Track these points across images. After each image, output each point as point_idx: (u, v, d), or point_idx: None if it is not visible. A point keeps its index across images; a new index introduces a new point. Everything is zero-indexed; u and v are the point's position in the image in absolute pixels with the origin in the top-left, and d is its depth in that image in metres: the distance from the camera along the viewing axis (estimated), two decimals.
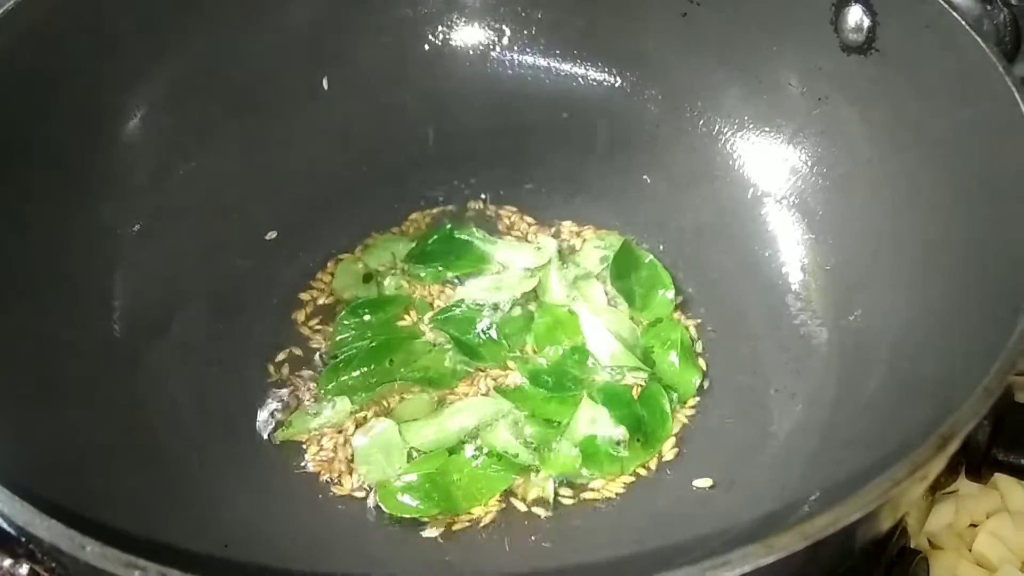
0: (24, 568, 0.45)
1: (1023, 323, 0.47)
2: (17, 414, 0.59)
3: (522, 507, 0.68)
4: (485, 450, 0.70)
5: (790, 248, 0.79)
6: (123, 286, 0.74)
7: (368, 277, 0.81)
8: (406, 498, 0.67)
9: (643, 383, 0.73)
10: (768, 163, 0.82)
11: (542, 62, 0.90)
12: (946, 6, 0.67)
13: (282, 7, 0.83)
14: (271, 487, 0.69)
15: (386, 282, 0.80)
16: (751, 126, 0.83)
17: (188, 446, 0.69)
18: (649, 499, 0.69)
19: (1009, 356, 0.46)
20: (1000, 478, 0.76)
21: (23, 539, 0.44)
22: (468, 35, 0.90)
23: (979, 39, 0.64)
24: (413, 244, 0.83)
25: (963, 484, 0.75)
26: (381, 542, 0.67)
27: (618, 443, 0.70)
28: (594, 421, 0.71)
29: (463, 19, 0.90)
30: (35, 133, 0.70)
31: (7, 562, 0.45)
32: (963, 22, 0.66)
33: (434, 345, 0.76)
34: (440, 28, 0.90)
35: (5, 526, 0.45)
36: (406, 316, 0.79)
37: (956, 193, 0.65)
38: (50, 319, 0.67)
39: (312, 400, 0.74)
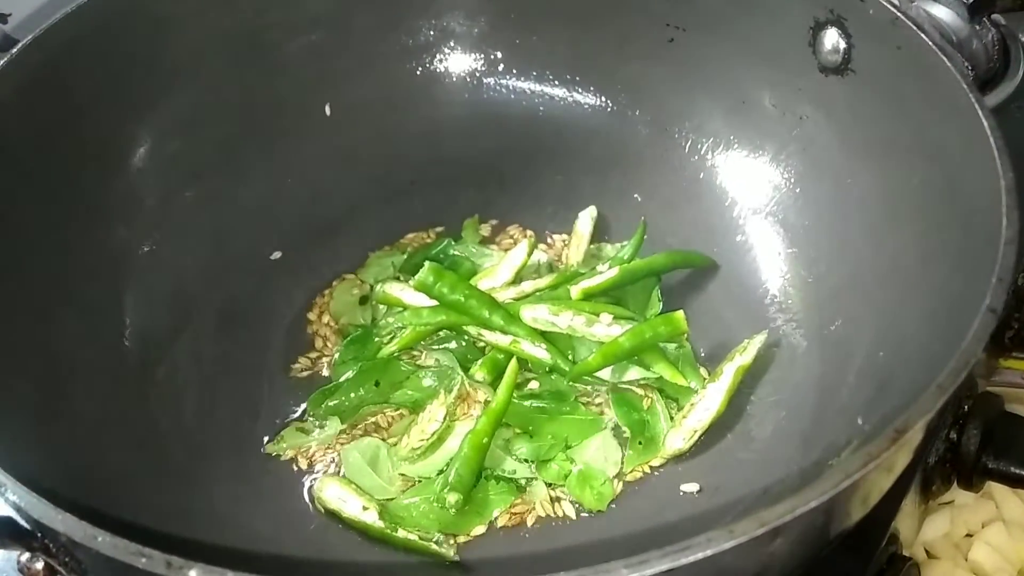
0: (40, 563, 0.47)
1: (976, 326, 0.49)
2: (34, 421, 0.62)
3: (517, 518, 0.70)
4: (483, 474, 0.71)
5: (774, 262, 0.82)
6: (134, 304, 0.77)
7: (364, 299, 0.83)
8: (409, 518, 0.69)
9: (650, 392, 0.76)
10: (752, 181, 0.85)
11: (535, 87, 0.94)
12: (915, 29, 0.70)
13: (285, 38, 0.87)
14: (273, 497, 0.71)
15: (377, 287, 0.82)
16: (735, 146, 0.86)
17: (194, 455, 0.72)
18: (640, 503, 0.71)
19: (963, 356, 0.48)
20: (996, 488, 0.79)
21: (39, 534, 0.47)
22: (464, 62, 0.94)
23: (946, 59, 0.67)
24: (405, 257, 0.86)
25: (959, 494, 0.77)
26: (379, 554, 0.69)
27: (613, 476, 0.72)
28: (602, 454, 0.73)
29: (459, 47, 0.93)
30: (50, 160, 0.73)
31: (24, 556, 0.47)
32: (932, 44, 0.68)
33: (418, 366, 0.78)
34: (437, 55, 0.94)
35: (23, 522, 0.48)
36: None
37: (926, 207, 0.68)
38: (65, 334, 0.70)
39: (307, 417, 0.76)
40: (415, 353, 0.79)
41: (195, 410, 0.74)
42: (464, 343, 0.79)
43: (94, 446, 0.65)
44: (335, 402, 0.76)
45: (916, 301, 0.65)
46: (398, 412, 0.76)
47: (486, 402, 0.75)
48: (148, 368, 0.75)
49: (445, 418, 0.73)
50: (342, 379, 0.77)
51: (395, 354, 0.78)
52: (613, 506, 0.71)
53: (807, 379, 0.73)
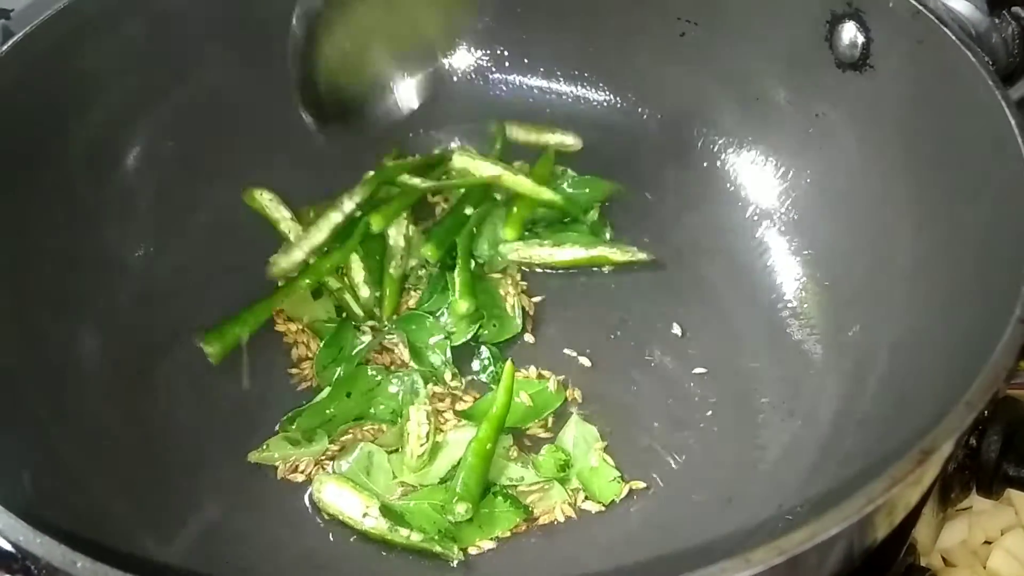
0: None
1: (1006, 339, 0.46)
2: (19, 434, 0.60)
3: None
4: (491, 489, 0.69)
5: (788, 265, 0.80)
6: (128, 309, 0.75)
7: (318, 293, 0.80)
8: (411, 519, 0.68)
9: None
10: (766, 180, 0.83)
11: (542, 84, 0.92)
12: (937, 23, 0.67)
13: (279, 35, 0.83)
14: (271, 507, 0.69)
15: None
16: (749, 144, 0.84)
17: (190, 467, 0.69)
18: (649, 514, 0.68)
19: (992, 371, 0.45)
20: (1015, 494, 0.76)
21: (20, 556, 0.45)
22: (468, 58, 0.91)
23: (970, 54, 0.65)
24: None
25: (976, 500, 0.75)
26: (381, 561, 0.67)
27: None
28: (582, 438, 0.71)
29: (463, 42, 0.91)
30: (41, 161, 0.71)
31: None
32: (954, 38, 0.66)
33: (387, 370, 0.75)
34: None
35: (3, 543, 0.46)
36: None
37: (949, 209, 0.65)
38: (55, 342, 0.68)
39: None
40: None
41: (190, 418, 0.72)
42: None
43: (85, 459, 0.63)
44: (310, 422, 0.72)
45: (939, 307, 0.63)
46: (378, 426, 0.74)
47: (476, 399, 0.74)
48: (142, 379, 0.73)
49: (430, 418, 0.71)
50: (315, 400, 0.74)
51: (363, 355, 0.76)
52: (621, 512, 0.68)
53: (823, 387, 0.71)
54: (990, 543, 0.76)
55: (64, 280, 0.71)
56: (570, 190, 0.86)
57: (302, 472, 0.71)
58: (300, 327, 0.79)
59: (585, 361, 0.77)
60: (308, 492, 0.70)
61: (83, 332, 0.71)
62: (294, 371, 0.77)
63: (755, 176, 0.83)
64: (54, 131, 0.72)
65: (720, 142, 0.85)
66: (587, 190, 0.86)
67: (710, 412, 0.73)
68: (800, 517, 0.58)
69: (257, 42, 0.82)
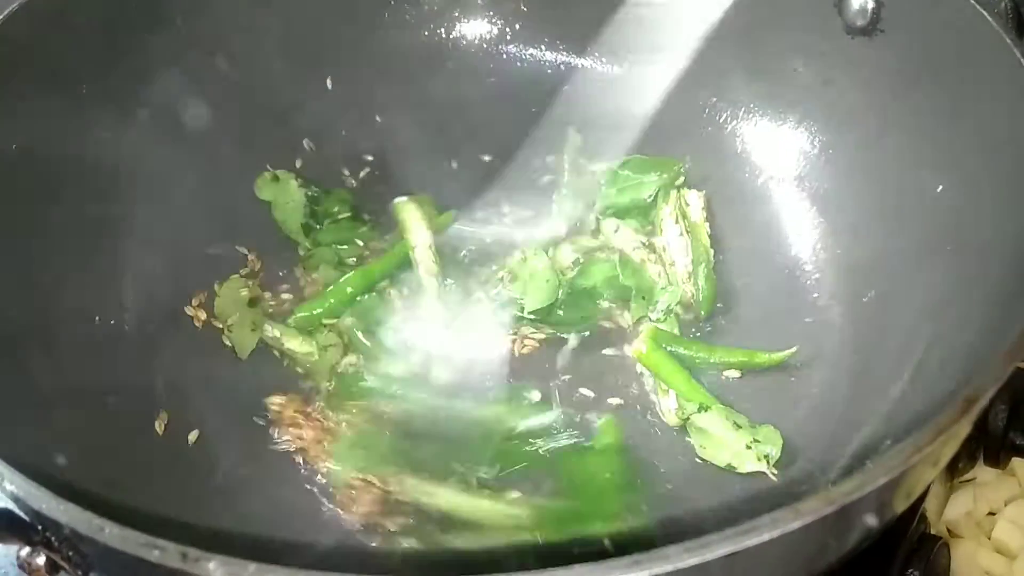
0: (41, 558, 0.44)
1: None
2: (33, 408, 0.59)
3: None
4: None
5: (802, 232, 0.79)
6: (134, 283, 0.74)
7: (253, 302, 0.78)
8: None
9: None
10: (777, 148, 0.82)
11: (547, 56, 0.91)
12: None
13: (284, 7, 0.83)
14: (285, 482, 0.67)
15: None
16: (758, 112, 0.84)
17: (203, 438, 0.68)
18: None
19: None
20: (1019, 465, 0.76)
21: (40, 527, 0.44)
22: (471, 31, 0.90)
23: (986, 14, 0.64)
24: None
25: (981, 472, 0.76)
26: None
27: None
28: None
29: (466, 16, 0.90)
30: (43, 132, 0.69)
31: (24, 551, 0.44)
32: None
33: None
34: (443, 25, 0.90)
35: (21, 513, 0.44)
36: None
37: (966, 171, 0.65)
38: (63, 317, 0.66)
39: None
40: None
41: (199, 387, 0.71)
42: None
43: (96, 431, 0.62)
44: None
45: (961, 270, 0.63)
46: None
47: None
48: (150, 348, 0.72)
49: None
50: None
51: None
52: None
53: (841, 354, 0.71)
54: (994, 514, 0.76)
55: (70, 253, 0.70)
56: (632, 174, 0.82)
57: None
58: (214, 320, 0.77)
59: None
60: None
61: (90, 307, 0.70)
62: None
63: (765, 144, 0.83)
64: (56, 99, 0.70)
65: (728, 110, 0.85)
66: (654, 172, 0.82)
67: (729, 382, 0.72)
68: (828, 479, 0.58)
69: (259, 15, 0.82)
